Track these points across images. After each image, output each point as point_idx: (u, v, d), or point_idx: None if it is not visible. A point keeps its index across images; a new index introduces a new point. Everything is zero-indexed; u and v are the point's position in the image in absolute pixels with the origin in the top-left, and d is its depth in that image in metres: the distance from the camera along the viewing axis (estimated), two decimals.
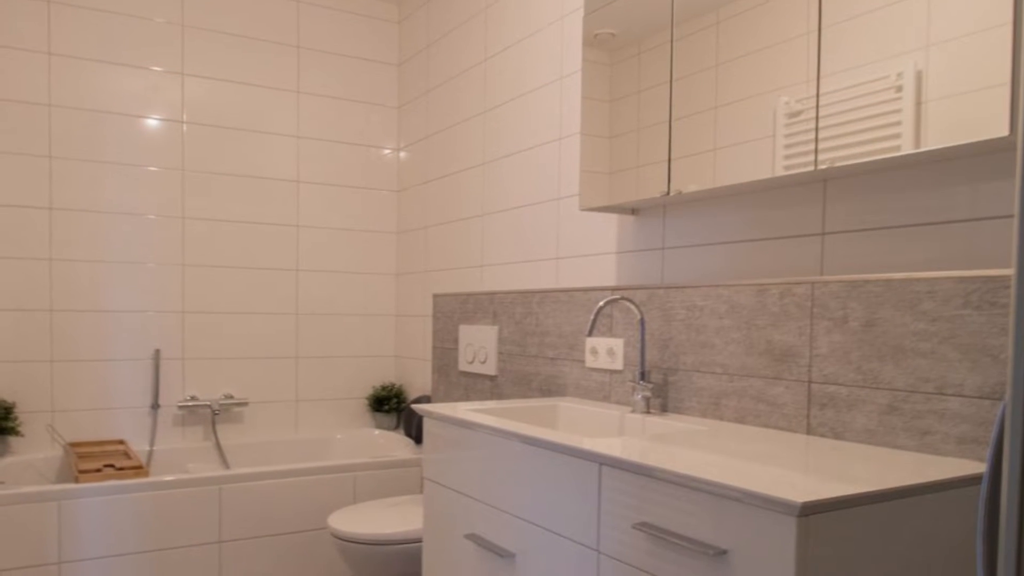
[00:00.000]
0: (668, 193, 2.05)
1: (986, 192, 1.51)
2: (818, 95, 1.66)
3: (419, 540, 2.60)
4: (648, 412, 2.16)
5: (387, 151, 4.08)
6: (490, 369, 3.04)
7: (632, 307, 2.21)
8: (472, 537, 1.96)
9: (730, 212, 2.07)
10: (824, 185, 1.82)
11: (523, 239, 2.97)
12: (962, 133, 1.41)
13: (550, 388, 2.71)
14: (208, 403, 3.58)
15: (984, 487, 1.02)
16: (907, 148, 1.50)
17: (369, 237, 4.03)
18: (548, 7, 2.84)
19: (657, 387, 2.24)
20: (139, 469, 2.89)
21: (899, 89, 1.51)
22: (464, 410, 2.16)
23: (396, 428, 3.98)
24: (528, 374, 2.83)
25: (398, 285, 4.09)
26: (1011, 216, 1.46)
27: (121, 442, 3.36)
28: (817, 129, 1.66)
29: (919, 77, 1.48)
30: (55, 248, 3.29)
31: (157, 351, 3.48)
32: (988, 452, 1.03)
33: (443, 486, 2.15)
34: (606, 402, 2.44)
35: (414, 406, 2.25)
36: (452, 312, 3.35)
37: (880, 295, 1.64)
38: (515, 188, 3.04)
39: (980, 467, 1.42)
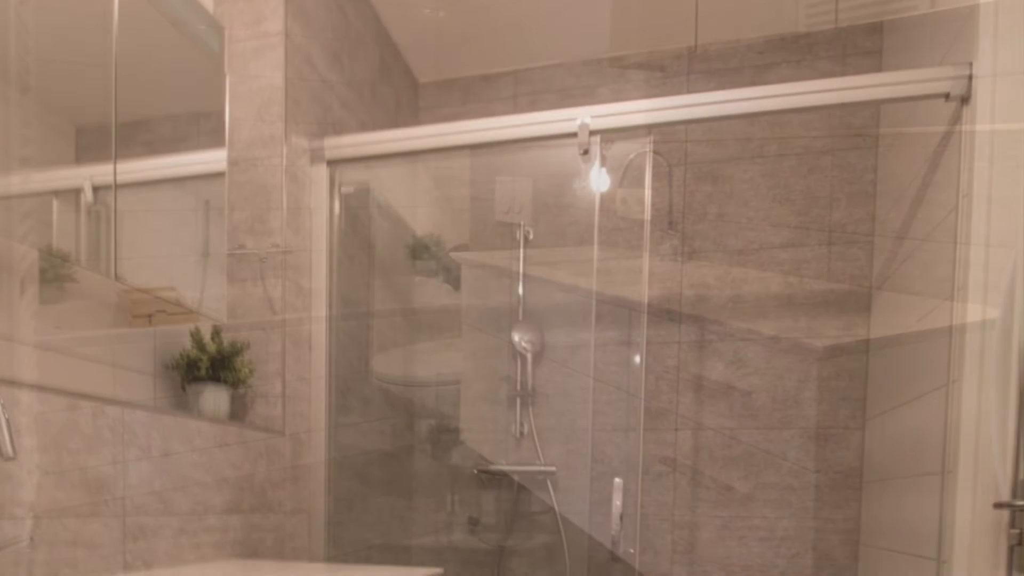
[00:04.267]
0: None
1: None
2: None
3: None
4: None
5: None
6: None
7: None
8: None
9: None
10: None
11: None
12: None
13: None
14: (256, 251, 3.63)
15: None
16: None
17: None
18: None
19: None
20: (190, 315, 2.98)
21: None
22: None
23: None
24: None
25: None
26: None
27: (172, 289, 3.43)
28: None
29: None
30: None
31: (207, 202, 3.51)
32: None
33: None
34: None
35: (452, 253, 2.27)
36: None
37: None
38: None
39: None
